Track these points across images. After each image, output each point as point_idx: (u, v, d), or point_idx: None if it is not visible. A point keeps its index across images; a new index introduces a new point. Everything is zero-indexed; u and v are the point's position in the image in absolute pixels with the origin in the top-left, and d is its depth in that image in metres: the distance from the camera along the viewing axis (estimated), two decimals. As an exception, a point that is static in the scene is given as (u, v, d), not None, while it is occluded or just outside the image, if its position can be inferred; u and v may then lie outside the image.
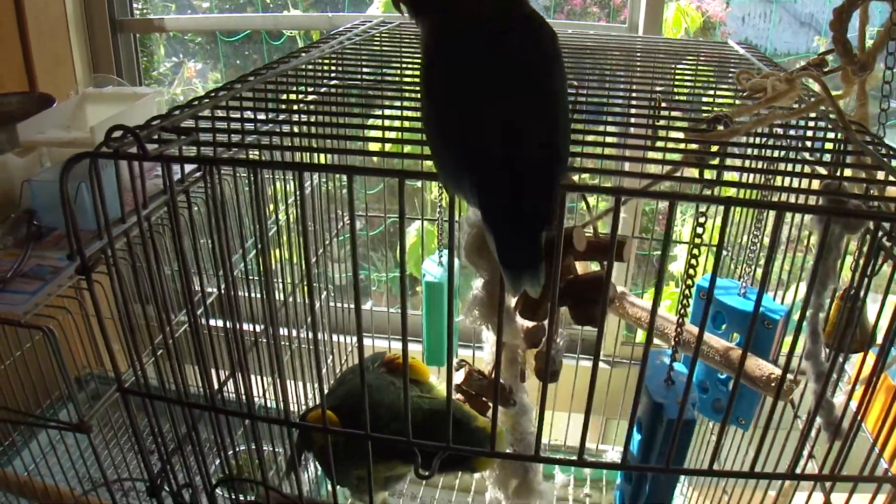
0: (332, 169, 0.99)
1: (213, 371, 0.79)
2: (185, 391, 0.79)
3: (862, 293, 0.94)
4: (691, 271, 0.95)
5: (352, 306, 1.70)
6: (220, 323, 0.84)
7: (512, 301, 1.03)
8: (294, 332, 1.24)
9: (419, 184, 2.09)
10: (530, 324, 1.05)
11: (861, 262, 0.85)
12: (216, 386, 0.79)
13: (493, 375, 1.06)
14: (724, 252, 1.45)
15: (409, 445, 0.69)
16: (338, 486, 1.26)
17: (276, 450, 1.36)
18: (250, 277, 0.94)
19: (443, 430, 0.69)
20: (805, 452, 0.97)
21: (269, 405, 1.15)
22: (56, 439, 1.20)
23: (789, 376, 1.04)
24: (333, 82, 1.01)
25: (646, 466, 0.80)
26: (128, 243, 0.71)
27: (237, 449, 1.33)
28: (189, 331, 0.76)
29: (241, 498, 0.89)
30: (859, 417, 0.81)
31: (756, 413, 1.16)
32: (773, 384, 1.03)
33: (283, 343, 1.20)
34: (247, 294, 0.90)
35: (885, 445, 0.85)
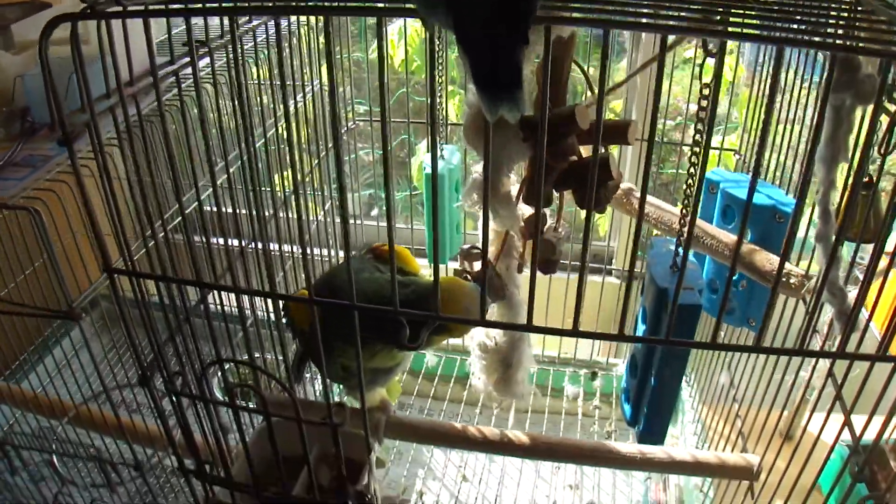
0: (309, 11, 0.94)
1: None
2: (173, 270, 0.77)
3: (876, 175, 0.90)
4: (694, 159, 0.91)
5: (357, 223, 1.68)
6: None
7: (513, 187, 1.00)
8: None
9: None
10: (531, 211, 1.02)
11: (875, 138, 0.82)
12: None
13: (494, 262, 1.03)
14: (736, 156, 1.41)
15: (395, 315, 0.67)
16: (332, 384, 1.28)
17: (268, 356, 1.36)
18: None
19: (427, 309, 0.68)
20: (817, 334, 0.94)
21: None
22: (62, 363, 1.21)
23: (798, 270, 1.01)
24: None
25: (644, 338, 0.77)
26: (125, 125, 0.68)
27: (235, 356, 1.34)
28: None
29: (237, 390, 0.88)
30: (869, 312, 0.78)
31: (770, 314, 1.13)
32: (784, 279, 1.00)
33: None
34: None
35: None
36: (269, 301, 1.00)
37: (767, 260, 1.01)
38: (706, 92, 0.82)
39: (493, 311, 1.10)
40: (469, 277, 1.01)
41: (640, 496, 1.51)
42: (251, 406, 0.92)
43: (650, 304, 0.90)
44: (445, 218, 1.27)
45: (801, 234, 1.06)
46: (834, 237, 0.85)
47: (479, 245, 1.06)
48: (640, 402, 0.97)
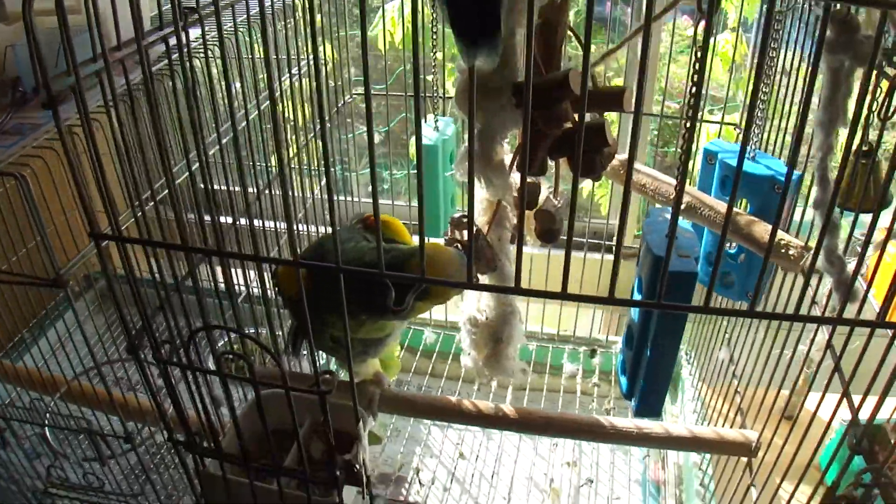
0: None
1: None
2: (163, 236, 0.76)
3: (875, 143, 0.89)
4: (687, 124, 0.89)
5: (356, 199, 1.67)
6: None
7: (506, 156, 0.98)
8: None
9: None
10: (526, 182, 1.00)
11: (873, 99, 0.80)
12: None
13: (485, 232, 1.02)
14: (736, 130, 1.39)
15: (381, 277, 0.65)
16: (327, 358, 1.27)
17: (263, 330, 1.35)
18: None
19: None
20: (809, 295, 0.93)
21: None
22: (57, 344, 1.21)
23: (797, 242, 0.99)
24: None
25: (635, 301, 0.76)
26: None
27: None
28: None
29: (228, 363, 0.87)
30: (867, 283, 0.77)
31: (767, 288, 1.11)
32: (782, 250, 0.98)
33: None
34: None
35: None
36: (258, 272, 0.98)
37: (766, 231, 0.99)
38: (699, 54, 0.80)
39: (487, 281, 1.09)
40: (460, 247, 1.00)
41: (638, 475, 1.50)
42: (239, 375, 0.91)
43: (646, 274, 0.89)
44: (439, 190, 1.26)
45: (801, 218, 1.04)
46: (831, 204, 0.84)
47: (470, 211, 1.05)
48: (636, 375, 0.96)
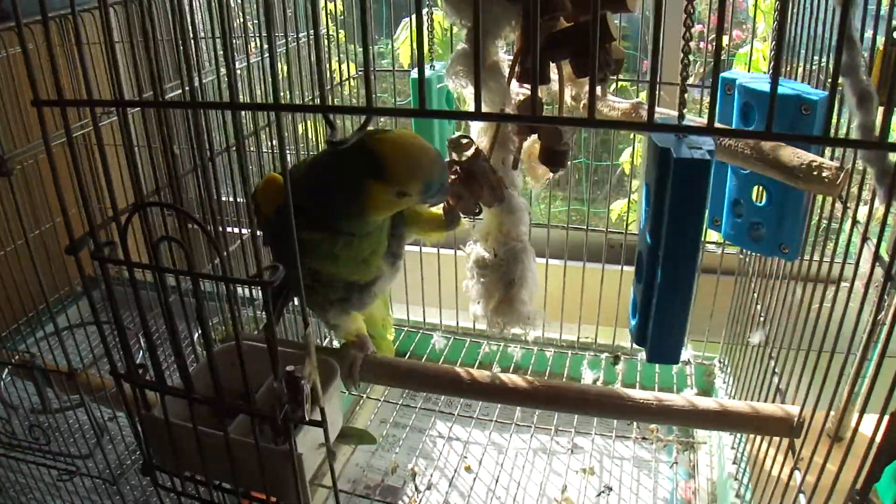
0: None
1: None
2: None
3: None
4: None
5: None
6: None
7: (503, 67, 0.89)
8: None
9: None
10: (526, 92, 0.90)
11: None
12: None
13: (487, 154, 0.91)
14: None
15: (324, 111, 0.55)
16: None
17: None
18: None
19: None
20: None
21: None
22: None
23: (831, 163, 0.86)
24: None
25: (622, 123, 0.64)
26: None
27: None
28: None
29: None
30: None
31: (802, 238, 0.98)
32: (815, 172, 0.85)
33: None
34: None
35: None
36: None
37: (795, 154, 0.87)
38: None
39: (490, 218, 0.97)
40: (459, 171, 0.90)
41: (666, 492, 1.32)
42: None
43: (653, 177, 0.77)
44: (434, 127, 1.17)
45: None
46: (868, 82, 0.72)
47: (468, 134, 0.95)
48: (648, 311, 0.82)
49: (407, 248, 1.50)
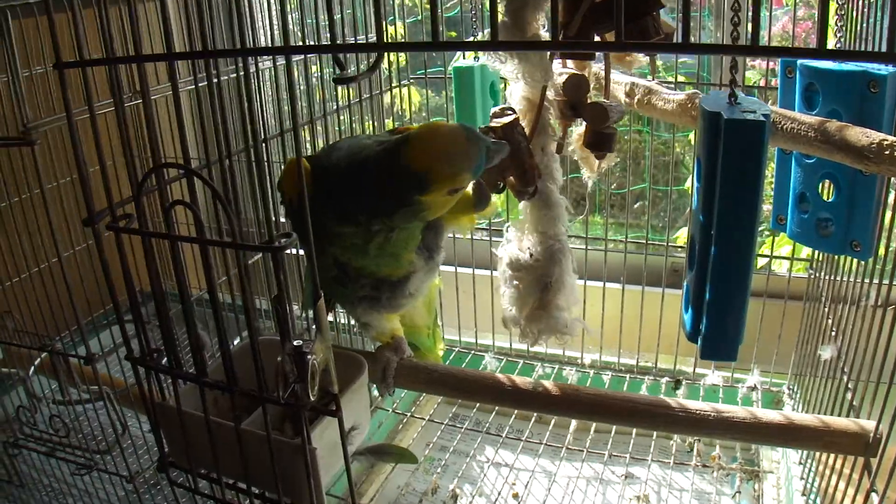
0: None
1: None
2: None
3: None
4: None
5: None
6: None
7: (541, 30, 0.83)
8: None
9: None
10: (569, 71, 0.85)
11: None
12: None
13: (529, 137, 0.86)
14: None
15: (347, 82, 0.51)
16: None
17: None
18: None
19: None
20: None
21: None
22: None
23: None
24: None
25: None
26: None
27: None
28: None
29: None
30: None
31: (875, 233, 0.89)
32: (886, 152, 0.77)
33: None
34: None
35: None
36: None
37: (863, 133, 0.79)
38: None
39: (525, 214, 0.92)
40: (493, 136, 0.84)
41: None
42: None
43: (704, 148, 0.70)
44: (476, 114, 1.13)
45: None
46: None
47: (512, 106, 0.90)
48: (701, 300, 0.75)
49: (459, 269, 1.49)
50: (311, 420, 0.74)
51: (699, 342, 0.76)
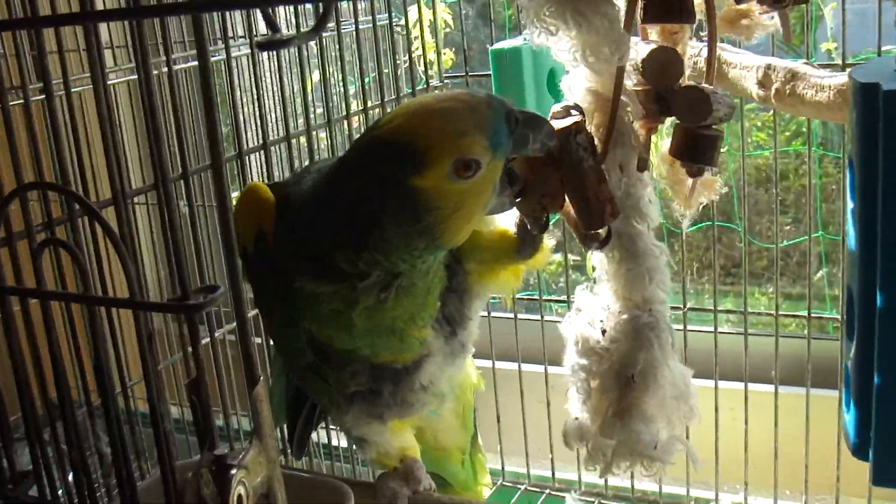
0: None
1: None
2: None
3: None
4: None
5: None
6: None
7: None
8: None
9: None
10: (653, 45, 0.60)
11: None
12: None
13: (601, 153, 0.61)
14: None
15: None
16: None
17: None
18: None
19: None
20: None
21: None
22: None
23: None
24: None
25: None
26: None
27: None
28: None
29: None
30: None
31: None
32: None
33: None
34: None
35: None
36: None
37: None
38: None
39: (601, 267, 0.65)
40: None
41: None
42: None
43: (860, 143, 0.43)
44: (527, 92, 0.95)
45: None
46: None
47: (579, 104, 0.65)
48: (869, 391, 0.45)
49: (524, 367, 1.10)
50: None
51: (870, 459, 0.46)
